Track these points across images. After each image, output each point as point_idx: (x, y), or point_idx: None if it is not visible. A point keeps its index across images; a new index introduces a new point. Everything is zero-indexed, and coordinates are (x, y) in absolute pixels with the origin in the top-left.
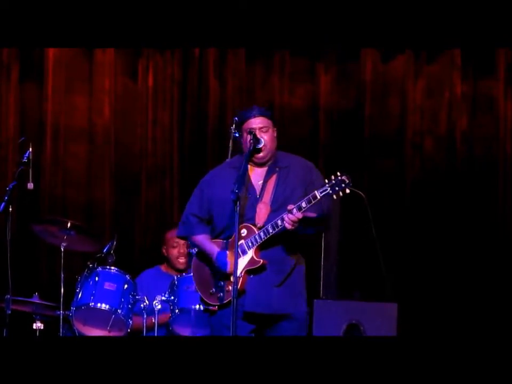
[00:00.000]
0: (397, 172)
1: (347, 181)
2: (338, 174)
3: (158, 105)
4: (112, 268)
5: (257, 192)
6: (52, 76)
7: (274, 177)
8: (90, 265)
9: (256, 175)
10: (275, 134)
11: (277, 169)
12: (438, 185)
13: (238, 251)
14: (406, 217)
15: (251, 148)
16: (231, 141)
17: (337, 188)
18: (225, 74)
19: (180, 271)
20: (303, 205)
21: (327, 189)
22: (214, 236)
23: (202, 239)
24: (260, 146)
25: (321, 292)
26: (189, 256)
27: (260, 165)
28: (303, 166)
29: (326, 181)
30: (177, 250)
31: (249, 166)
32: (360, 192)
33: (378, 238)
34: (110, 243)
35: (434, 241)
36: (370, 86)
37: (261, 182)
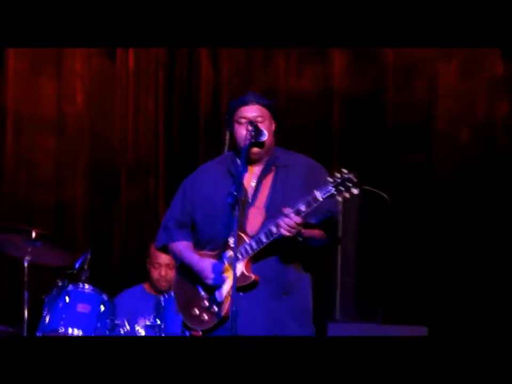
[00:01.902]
0: (426, 168)
1: (355, 180)
2: (344, 170)
3: (141, 91)
4: (86, 286)
5: (250, 195)
6: (13, 57)
7: (270, 177)
8: (60, 283)
9: (249, 175)
10: (273, 128)
11: (274, 168)
12: (476, 183)
13: (236, 264)
14: (437, 223)
15: (251, 140)
16: (227, 133)
17: (342, 188)
18: (220, 54)
19: (165, 291)
20: (302, 208)
21: (330, 189)
22: (198, 247)
23: (182, 246)
24: (263, 139)
25: (337, 313)
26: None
27: (253, 162)
28: (308, 166)
29: (329, 179)
30: (158, 273)
31: (238, 162)
32: (383, 194)
33: (404, 248)
34: (83, 256)
35: (471, 251)
36: (393, 66)
37: (254, 183)
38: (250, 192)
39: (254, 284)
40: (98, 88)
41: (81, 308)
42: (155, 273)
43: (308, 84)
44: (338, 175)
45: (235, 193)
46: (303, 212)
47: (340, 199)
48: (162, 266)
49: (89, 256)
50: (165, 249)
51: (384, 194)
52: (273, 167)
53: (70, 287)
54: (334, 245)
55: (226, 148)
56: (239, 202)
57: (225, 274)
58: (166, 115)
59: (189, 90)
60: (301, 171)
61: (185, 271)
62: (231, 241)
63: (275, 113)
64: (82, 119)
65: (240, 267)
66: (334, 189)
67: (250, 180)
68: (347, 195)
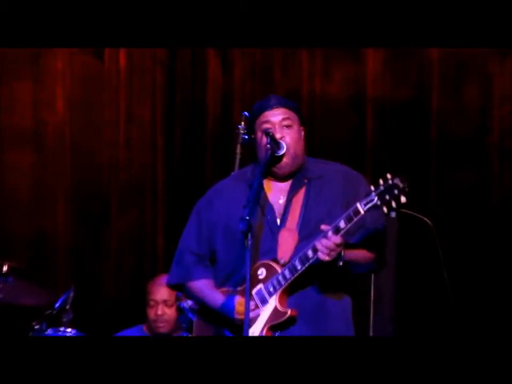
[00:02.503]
0: (478, 188)
1: (401, 185)
2: (389, 176)
3: (134, 95)
4: (69, 329)
5: (278, 215)
6: None
7: (302, 193)
8: (37, 327)
9: (276, 191)
10: (303, 134)
11: (306, 181)
12: None
13: (249, 306)
14: (491, 252)
15: (268, 156)
16: (238, 146)
17: (387, 197)
18: (231, 51)
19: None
20: (341, 224)
21: (373, 199)
22: (218, 283)
23: (203, 286)
24: (281, 152)
25: None
26: (179, 312)
27: (282, 178)
28: (345, 175)
29: (372, 188)
30: (153, 312)
31: (266, 180)
32: (425, 218)
33: (451, 281)
34: (65, 294)
35: None
36: (438, 68)
37: (283, 200)
38: (278, 211)
39: (291, 320)
40: (82, 93)
41: None
42: (151, 313)
43: (336, 88)
44: (382, 182)
45: (247, 217)
46: (343, 229)
47: (385, 209)
48: (159, 304)
49: (72, 295)
50: (180, 288)
51: (427, 219)
52: (305, 180)
53: (49, 331)
54: (379, 268)
55: (237, 163)
56: (253, 228)
57: (255, 311)
58: (166, 126)
59: (193, 95)
60: (336, 182)
61: (207, 313)
62: (259, 272)
63: (302, 117)
64: (63, 131)
65: (273, 302)
66: (377, 197)
67: (278, 197)
68: (394, 204)
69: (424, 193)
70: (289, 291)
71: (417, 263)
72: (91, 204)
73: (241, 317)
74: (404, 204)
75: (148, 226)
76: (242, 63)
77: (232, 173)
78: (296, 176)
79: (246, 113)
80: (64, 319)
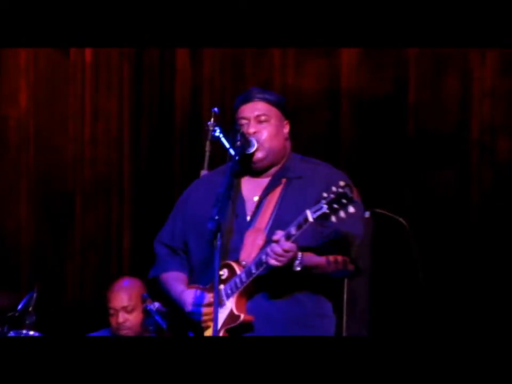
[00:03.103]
0: (457, 186)
1: (350, 195)
2: (341, 183)
3: (100, 90)
4: (31, 332)
5: (249, 213)
6: None
7: (277, 192)
8: None
9: (252, 188)
10: (286, 130)
11: (284, 180)
12: None
13: (217, 304)
14: (470, 253)
15: (238, 154)
16: (208, 143)
17: (336, 205)
18: None
19: None
20: (292, 231)
21: (322, 207)
22: (193, 277)
23: (170, 278)
24: (252, 150)
25: None
26: (146, 314)
27: (257, 173)
28: (328, 179)
29: (324, 195)
30: (114, 321)
31: (243, 177)
32: (400, 218)
33: (427, 282)
34: (27, 296)
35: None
36: (416, 61)
37: (257, 197)
38: (250, 209)
39: (247, 326)
40: (46, 87)
41: None
42: (112, 322)
43: (309, 82)
44: (334, 189)
45: (216, 217)
46: (293, 235)
47: (334, 219)
48: (119, 312)
49: (35, 296)
50: (156, 282)
51: (402, 220)
52: (283, 179)
53: (11, 333)
54: (354, 275)
55: (206, 161)
56: (223, 228)
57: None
58: (133, 120)
59: (161, 89)
60: (318, 182)
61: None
62: (222, 272)
63: (286, 111)
64: (26, 126)
65: (230, 304)
66: (326, 206)
67: (253, 194)
68: (342, 214)
69: (400, 192)
70: (248, 295)
71: (392, 264)
72: (55, 202)
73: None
74: (353, 213)
75: (113, 224)
76: (211, 55)
77: (202, 172)
78: (275, 174)
79: (216, 109)
80: (27, 321)
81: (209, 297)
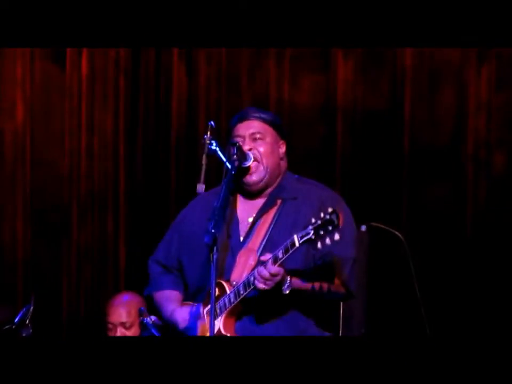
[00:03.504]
0: (452, 202)
1: (335, 222)
2: (329, 210)
3: (96, 103)
4: None
5: (242, 234)
6: None
7: (272, 213)
8: None
9: (247, 208)
10: (282, 150)
11: (279, 201)
12: None
13: (214, 323)
14: (467, 268)
15: (234, 168)
16: (204, 156)
17: (322, 232)
18: (196, 56)
19: None
20: (279, 254)
21: (309, 232)
22: (188, 295)
23: (164, 296)
24: (248, 164)
25: None
26: (142, 328)
27: (252, 195)
28: (320, 197)
29: (312, 220)
30: (112, 335)
31: (238, 196)
32: (397, 233)
33: (424, 300)
34: (23, 309)
35: (508, 302)
36: (411, 75)
37: (252, 218)
38: (244, 229)
39: None
40: (43, 100)
41: None
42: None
43: (305, 97)
44: (322, 215)
45: (213, 230)
46: (280, 259)
47: (319, 246)
48: (117, 327)
49: (31, 309)
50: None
51: (398, 233)
52: (278, 200)
53: None
54: (346, 298)
55: (202, 175)
56: (219, 242)
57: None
58: (128, 135)
59: (157, 102)
60: (311, 203)
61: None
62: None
63: (282, 131)
64: (22, 139)
65: (218, 324)
66: (312, 232)
67: (248, 214)
68: (328, 241)
69: (396, 206)
70: (237, 315)
71: (388, 278)
72: (50, 216)
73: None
74: (340, 239)
75: (109, 238)
76: (207, 68)
77: (198, 186)
78: (271, 194)
79: (212, 122)
80: (23, 334)
81: (204, 310)
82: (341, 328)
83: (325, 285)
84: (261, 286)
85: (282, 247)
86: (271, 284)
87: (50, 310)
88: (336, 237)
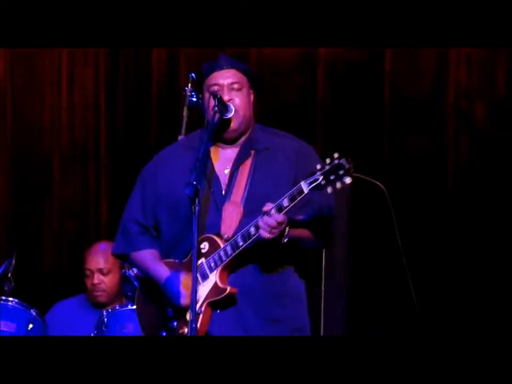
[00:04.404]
0: (433, 153)
1: (347, 166)
2: (336, 155)
3: (76, 54)
4: (10, 299)
5: (223, 187)
6: None
7: (247, 165)
8: None
9: (223, 160)
10: (252, 98)
11: (253, 151)
12: (495, 172)
13: (196, 275)
14: (447, 220)
15: (216, 119)
16: (185, 109)
17: (332, 177)
18: None
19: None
20: (285, 203)
21: (318, 178)
22: (162, 254)
23: (147, 256)
24: (229, 115)
25: (321, 330)
26: (124, 280)
27: (229, 142)
28: (295, 149)
29: (318, 166)
30: (90, 282)
31: (213, 147)
32: (379, 183)
33: (406, 251)
34: (6, 262)
35: (488, 253)
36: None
37: (228, 170)
38: (223, 182)
39: (231, 299)
40: (24, 55)
41: (4, 326)
42: (88, 283)
43: (285, 49)
44: (328, 160)
45: (194, 182)
46: (286, 207)
47: (329, 190)
48: (94, 273)
49: (13, 263)
50: (125, 258)
51: (380, 184)
52: (251, 151)
53: None
54: (327, 246)
55: (183, 127)
56: (201, 194)
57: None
58: (108, 85)
59: (137, 54)
60: (286, 155)
61: (150, 285)
62: (202, 246)
63: (254, 80)
64: (3, 92)
65: (214, 277)
66: (322, 177)
67: (223, 167)
68: (338, 185)
69: (379, 158)
70: (231, 268)
71: (370, 229)
72: (32, 169)
73: (186, 301)
74: (348, 185)
75: (91, 191)
76: None
77: (180, 138)
78: (243, 146)
79: (193, 74)
80: (6, 288)
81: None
82: (323, 281)
83: (310, 234)
84: (266, 235)
85: (287, 195)
86: (276, 232)
87: (32, 264)
88: (348, 180)
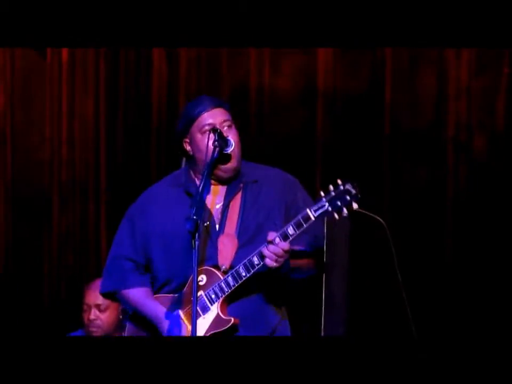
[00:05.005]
0: (432, 184)
1: (353, 192)
2: (339, 182)
3: (76, 90)
4: None
5: (216, 220)
6: None
7: (238, 198)
8: None
9: (212, 196)
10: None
11: (241, 185)
12: (494, 205)
13: (196, 308)
14: (447, 251)
15: (217, 153)
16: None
17: (339, 203)
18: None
19: None
20: (290, 231)
21: (324, 205)
22: (153, 290)
23: (141, 295)
24: (230, 150)
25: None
26: (124, 314)
27: (223, 181)
28: (282, 180)
29: (322, 193)
30: (86, 317)
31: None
32: (378, 217)
33: (405, 283)
34: None
35: (488, 285)
36: (391, 59)
37: (220, 205)
38: (216, 216)
39: (234, 329)
40: (23, 87)
41: None
42: (84, 318)
43: (285, 81)
44: (333, 188)
45: (195, 217)
46: (292, 235)
47: (336, 216)
48: (92, 309)
49: None
50: (113, 297)
51: (380, 219)
52: (240, 185)
53: None
54: (318, 273)
55: (183, 163)
56: (201, 229)
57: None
58: (109, 121)
59: (138, 89)
60: (274, 186)
61: (143, 324)
62: (200, 278)
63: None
64: (3, 126)
65: (216, 309)
66: (327, 204)
67: (214, 202)
68: (345, 212)
69: (379, 191)
70: (230, 299)
71: (370, 263)
72: (31, 203)
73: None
74: (355, 209)
75: (90, 225)
76: (187, 55)
77: (164, 178)
78: (232, 180)
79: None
80: None
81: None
82: (323, 314)
83: (306, 263)
84: (273, 264)
85: (291, 223)
86: (282, 261)
87: (31, 296)
88: (355, 206)
